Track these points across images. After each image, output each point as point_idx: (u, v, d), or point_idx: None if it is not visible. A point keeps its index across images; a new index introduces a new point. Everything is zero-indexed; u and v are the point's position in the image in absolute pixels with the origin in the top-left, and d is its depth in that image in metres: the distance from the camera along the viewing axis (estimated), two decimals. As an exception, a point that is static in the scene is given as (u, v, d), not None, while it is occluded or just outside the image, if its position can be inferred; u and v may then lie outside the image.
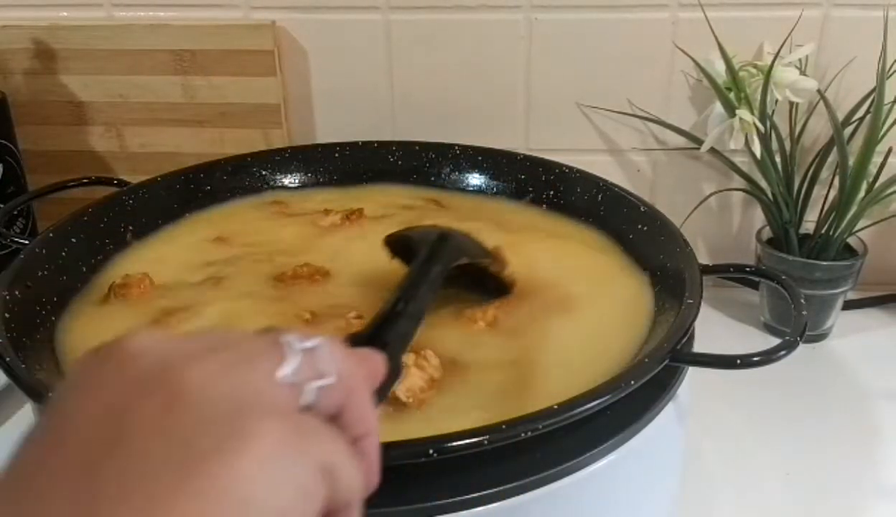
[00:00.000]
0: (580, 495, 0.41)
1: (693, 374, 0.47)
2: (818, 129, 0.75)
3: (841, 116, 0.71)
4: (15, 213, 0.74)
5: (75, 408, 0.22)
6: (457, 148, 0.72)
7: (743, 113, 0.69)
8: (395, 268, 0.50)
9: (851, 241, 0.74)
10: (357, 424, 0.26)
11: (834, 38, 0.73)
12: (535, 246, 0.60)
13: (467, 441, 0.36)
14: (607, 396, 0.40)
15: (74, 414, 0.22)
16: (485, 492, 0.38)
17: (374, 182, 0.72)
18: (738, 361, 0.43)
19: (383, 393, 0.33)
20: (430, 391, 0.44)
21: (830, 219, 0.72)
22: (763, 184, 0.74)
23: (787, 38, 0.70)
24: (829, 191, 0.74)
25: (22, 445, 0.22)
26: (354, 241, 0.61)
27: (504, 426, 0.37)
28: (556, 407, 0.38)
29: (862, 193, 0.70)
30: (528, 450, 0.39)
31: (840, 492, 0.57)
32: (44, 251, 0.54)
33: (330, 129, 0.81)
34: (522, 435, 0.37)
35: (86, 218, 0.59)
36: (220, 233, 0.64)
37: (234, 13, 0.78)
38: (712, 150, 0.74)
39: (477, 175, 0.71)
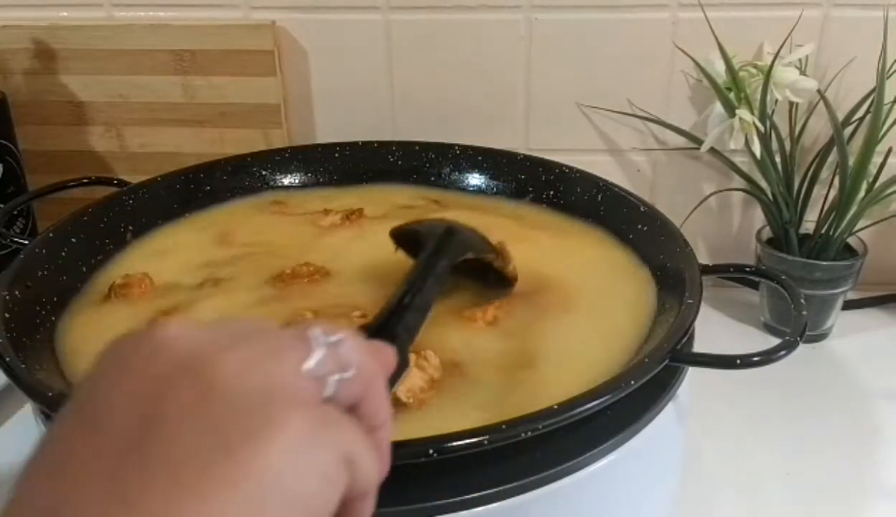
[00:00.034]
0: (580, 495, 0.41)
1: (693, 374, 0.47)
2: (818, 129, 0.75)
3: (841, 116, 0.71)
4: (15, 213, 0.74)
5: (108, 395, 0.23)
6: (457, 148, 0.72)
7: (743, 113, 0.69)
8: (394, 268, 0.50)
9: (851, 241, 0.74)
10: (373, 415, 0.27)
11: (834, 38, 0.73)
12: (539, 244, 0.60)
13: (467, 441, 0.37)
14: (607, 396, 0.40)
15: (108, 400, 0.23)
16: (485, 492, 0.38)
17: (374, 182, 0.72)
18: (738, 361, 0.43)
19: (392, 385, 0.33)
20: (430, 391, 0.44)
21: (830, 219, 0.72)
22: (763, 184, 0.74)
23: (787, 38, 0.70)
24: (829, 191, 0.74)
25: (55, 428, 0.23)
26: (354, 241, 0.61)
27: (504, 426, 0.37)
28: (556, 407, 0.38)
29: (862, 193, 0.70)
30: (528, 450, 0.39)
31: (840, 492, 0.57)
32: (44, 251, 0.54)
33: (330, 129, 0.81)
34: (522, 435, 0.37)
35: (86, 218, 0.59)
36: (221, 233, 0.64)
37: (234, 13, 0.78)
38: (712, 150, 0.74)
39: (477, 175, 0.71)
